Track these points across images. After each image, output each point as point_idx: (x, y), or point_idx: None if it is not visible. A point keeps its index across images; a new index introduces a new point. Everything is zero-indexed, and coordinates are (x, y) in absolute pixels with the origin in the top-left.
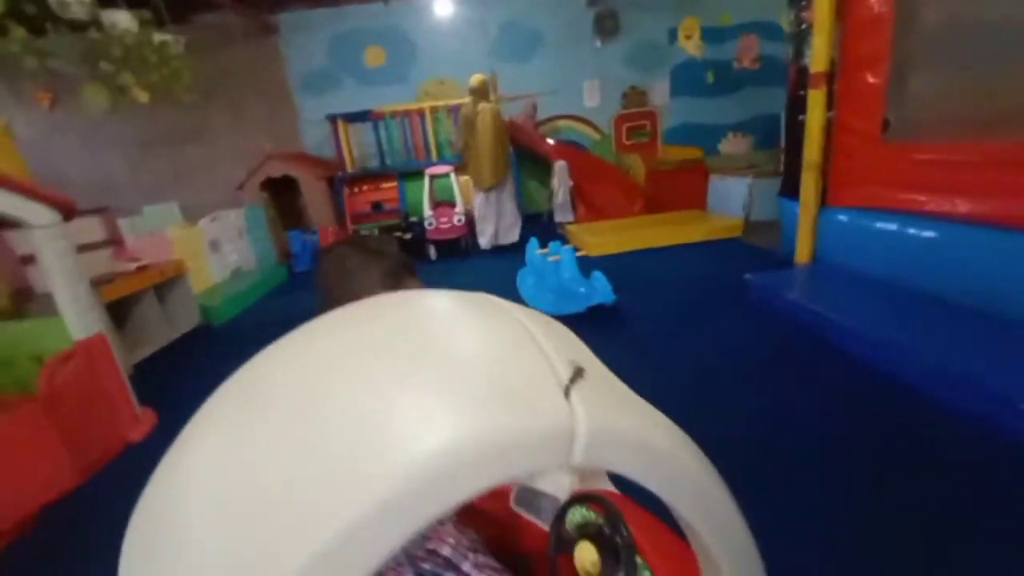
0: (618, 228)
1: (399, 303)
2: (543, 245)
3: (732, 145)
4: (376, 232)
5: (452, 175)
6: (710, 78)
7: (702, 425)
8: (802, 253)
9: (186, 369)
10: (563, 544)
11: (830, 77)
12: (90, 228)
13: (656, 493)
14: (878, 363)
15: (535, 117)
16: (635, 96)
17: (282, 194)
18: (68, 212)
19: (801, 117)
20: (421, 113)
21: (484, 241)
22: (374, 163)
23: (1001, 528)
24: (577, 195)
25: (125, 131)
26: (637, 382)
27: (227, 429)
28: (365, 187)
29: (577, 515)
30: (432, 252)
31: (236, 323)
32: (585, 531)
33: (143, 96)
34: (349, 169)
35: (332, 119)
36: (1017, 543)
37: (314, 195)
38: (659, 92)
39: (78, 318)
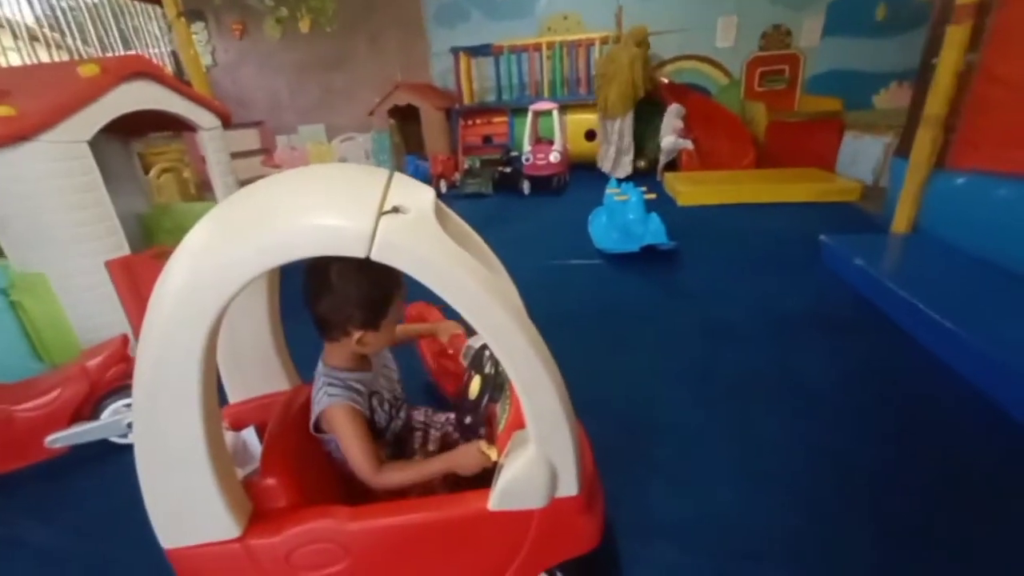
0: (719, 180)
1: (320, 167)
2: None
3: (891, 98)
4: (478, 164)
5: (555, 112)
6: (880, 13)
7: (689, 375)
8: (900, 220)
9: None
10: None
11: (981, 9)
12: (249, 138)
13: (442, 296)
14: (938, 351)
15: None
16: (776, 36)
17: (408, 121)
18: (225, 119)
19: (935, 60)
20: (539, 49)
21: (605, 166)
22: (491, 97)
23: None
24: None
25: (289, 58)
26: (651, 317)
27: (229, 204)
28: (479, 120)
29: (485, 360)
30: (526, 187)
31: None
32: (478, 368)
33: (305, 26)
34: (466, 102)
35: (455, 52)
36: None
37: (432, 125)
38: (809, 31)
39: None
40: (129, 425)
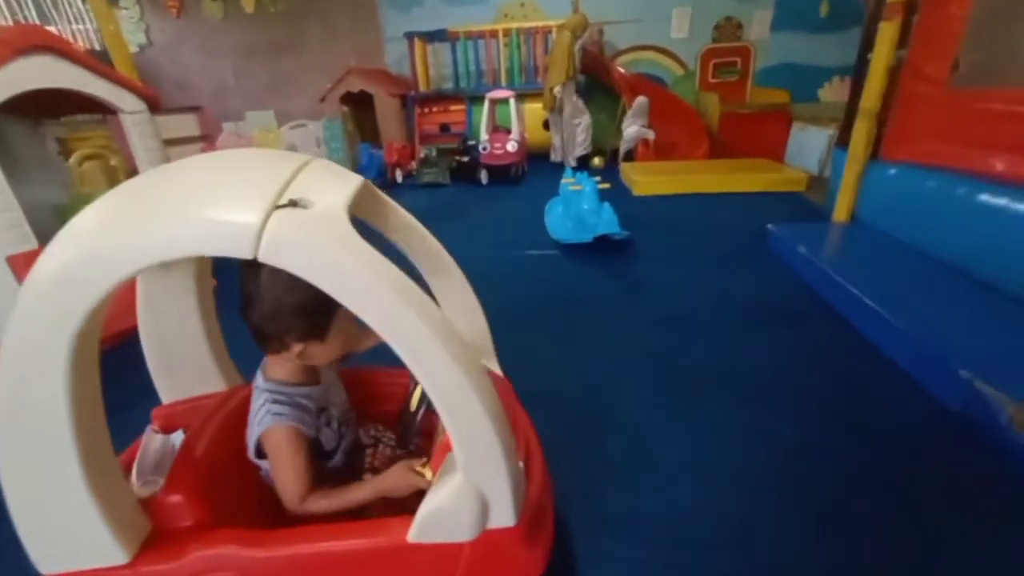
0: (674, 170)
1: (227, 153)
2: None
3: (834, 91)
4: (434, 153)
5: (512, 101)
6: (823, 10)
7: (640, 366)
8: (841, 210)
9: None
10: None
11: (909, 7)
12: (186, 124)
13: (348, 306)
14: (873, 337)
15: (600, 44)
16: (728, 28)
17: (363, 109)
18: (153, 103)
19: (869, 55)
20: (495, 35)
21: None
22: (448, 85)
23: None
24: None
25: (233, 40)
26: (605, 309)
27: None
28: (435, 108)
29: None
30: (484, 176)
31: None
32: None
33: (249, 6)
34: (421, 89)
35: (410, 37)
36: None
37: (387, 112)
38: (759, 23)
39: None
40: None
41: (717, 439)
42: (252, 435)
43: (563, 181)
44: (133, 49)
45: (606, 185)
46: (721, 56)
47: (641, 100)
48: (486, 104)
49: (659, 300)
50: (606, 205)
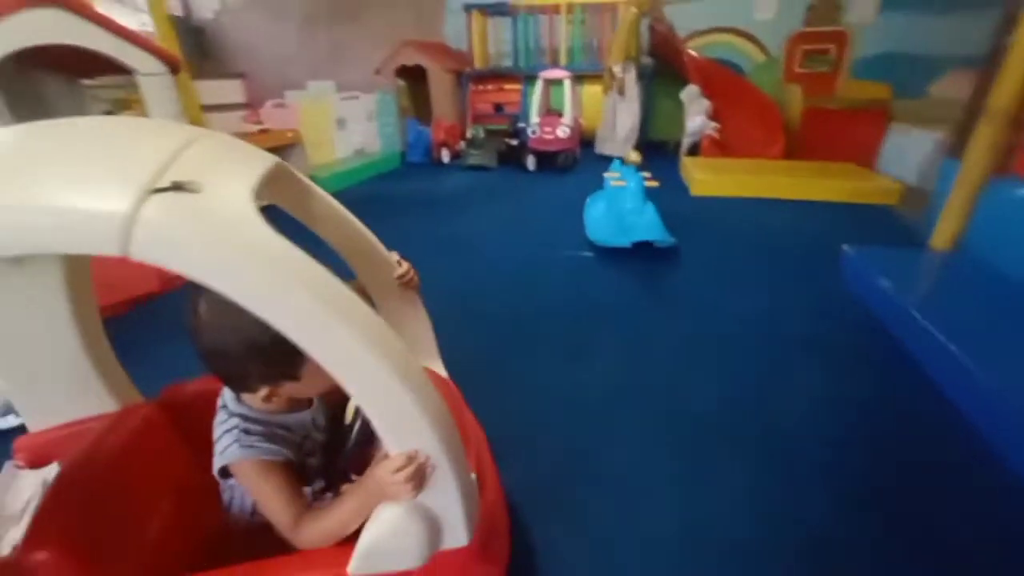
0: (741, 169)
1: (103, 120)
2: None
3: (951, 86)
4: (482, 134)
5: (567, 82)
6: None
7: (651, 400)
8: (942, 234)
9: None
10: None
11: None
12: (231, 90)
13: (249, 308)
14: (964, 404)
15: (664, 23)
16: (824, 10)
17: (419, 83)
18: (174, 65)
19: (1011, 40)
20: (557, 10)
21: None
22: (507, 62)
23: None
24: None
25: (297, 6)
26: (628, 326)
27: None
28: (490, 86)
29: None
30: (531, 162)
31: (336, 196)
32: None
33: None
34: (478, 65)
35: (468, 9)
36: None
37: (441, 88)
38: (863, 4)
39: None
40: None
41: (726, 513)
42: (216, 460)
43: (606, 175)
44: (208, 15)
45: (654, 183)
46: (812, 42)
47: (691, 88)
48: (538, 84)
49: (693, 322)
50: (650, 206)
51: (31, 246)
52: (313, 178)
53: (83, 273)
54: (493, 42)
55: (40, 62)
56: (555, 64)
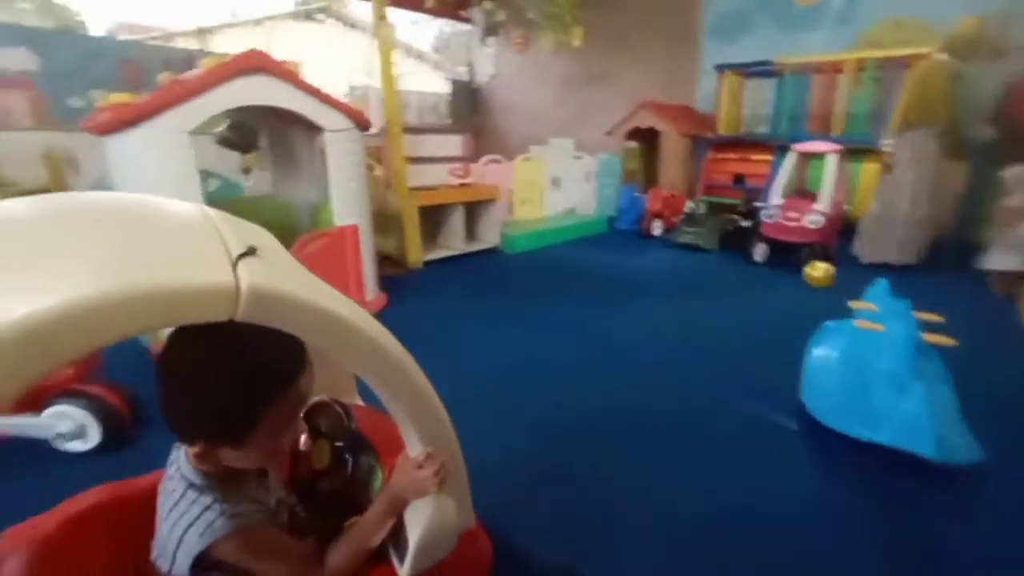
0: None
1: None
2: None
3: None
4: (702, 209)
5: (831, 157)
6: None
7: None
8: None
9: (447, 277)
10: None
11: None
12: (450, 144)
13: (325, 350)
14: None
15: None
16: None
17: (654, 147)
18: (361, 123)
19: None
20: (838, 68)
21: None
22: (763, 128)
23: None
24: None
25: (558, 71)
26: None
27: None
28: (732, 154)
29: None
30: (759, 252)
31: (522, 256)
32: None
33: (577, 38)
34: (721, 130)
35: (720, 69)
36: None
37: (672, 153)
38: None
39: (342, 208)
40: (60, 434)
41: None
42: (182, 552)
43: (854, 305)
44: (484, 79)
45: (943, 340)
46: None
47: (1018, 170)
48: (790, 157)
49: None
50: (916, 385)
51: (142, 327)
52: (504, 235)
53: None
54: (749, 105)
55: (284, 115)
56: (825, 134)
